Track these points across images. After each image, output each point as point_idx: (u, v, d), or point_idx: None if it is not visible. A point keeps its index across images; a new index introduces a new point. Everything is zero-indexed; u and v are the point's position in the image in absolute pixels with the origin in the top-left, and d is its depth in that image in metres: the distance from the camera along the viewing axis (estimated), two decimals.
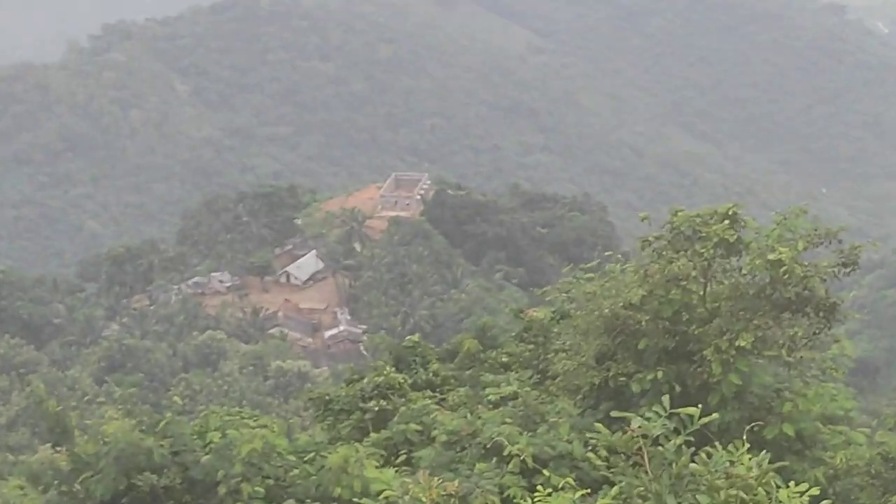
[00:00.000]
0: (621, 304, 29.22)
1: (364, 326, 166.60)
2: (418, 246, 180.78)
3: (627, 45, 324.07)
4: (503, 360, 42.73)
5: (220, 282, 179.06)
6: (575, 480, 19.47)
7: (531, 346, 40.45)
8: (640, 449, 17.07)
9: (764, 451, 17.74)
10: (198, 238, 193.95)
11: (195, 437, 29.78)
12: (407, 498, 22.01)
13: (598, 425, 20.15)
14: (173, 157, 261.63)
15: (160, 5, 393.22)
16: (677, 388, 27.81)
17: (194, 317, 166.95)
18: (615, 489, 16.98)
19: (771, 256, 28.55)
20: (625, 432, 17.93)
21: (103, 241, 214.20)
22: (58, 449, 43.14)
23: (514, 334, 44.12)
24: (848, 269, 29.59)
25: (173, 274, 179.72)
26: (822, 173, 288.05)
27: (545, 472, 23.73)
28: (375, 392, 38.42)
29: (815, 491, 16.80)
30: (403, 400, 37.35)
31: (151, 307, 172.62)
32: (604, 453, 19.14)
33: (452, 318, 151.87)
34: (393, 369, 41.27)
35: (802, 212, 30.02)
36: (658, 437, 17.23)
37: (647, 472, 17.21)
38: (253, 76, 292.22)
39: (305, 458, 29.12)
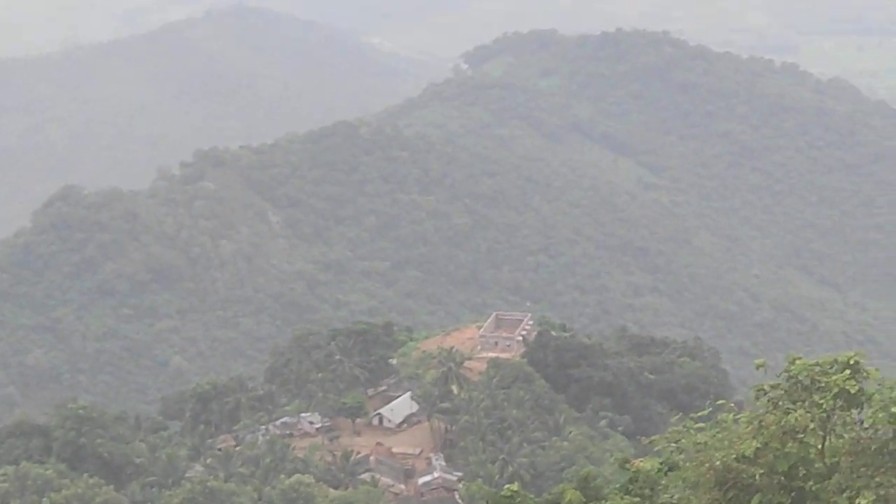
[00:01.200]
0: (734, 456, 28.58)
1: (460, 473, 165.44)
2: (519, 390, 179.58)
3: (744, 183, 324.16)
4: None
5: (310, 423, 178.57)
6: None
7: (637, 499, 39.18)
8: None
9: None
10: (287, 376, 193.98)
11: None
12: None
13: None
14: (264, 290, 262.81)
15: (253, 132, 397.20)
16: None
17: (282, 459, 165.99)
18: None
19: (895, 409, 27.82)
20: None
21: (189, 378, 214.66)
22: None
23: (618, 486, 42.29)
24: None
25: (261, 413, 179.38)
26: None
27: None
28: None
29: None
30: None
31: (237, 448, 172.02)
32: None
33: (554, 466, 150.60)
34: None
35: None
36: None
37: None
38: (349, 208, 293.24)
39: None
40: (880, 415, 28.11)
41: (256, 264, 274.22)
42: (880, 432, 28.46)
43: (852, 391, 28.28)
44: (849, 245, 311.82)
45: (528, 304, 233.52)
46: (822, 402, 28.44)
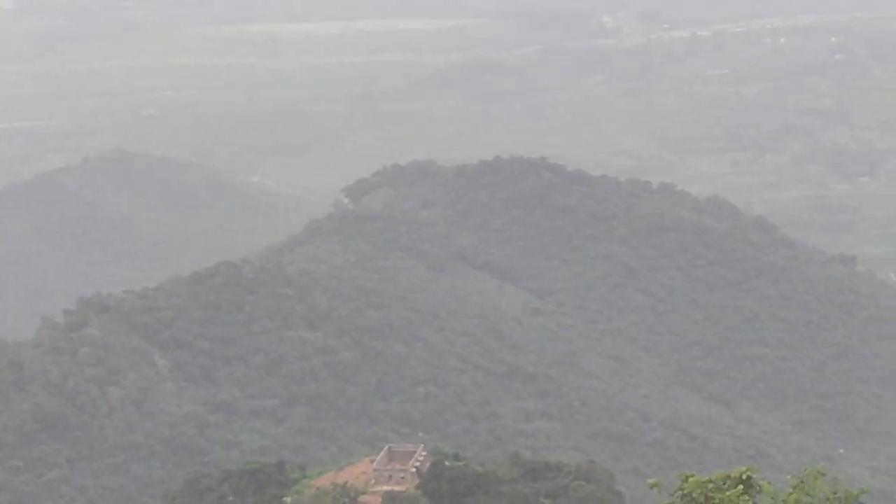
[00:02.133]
0: None
1: None
2: None
3: (628, 304, 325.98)
4: None
5: None
6: None
7: None
8: None
9: None
10: None
11: None
12: None
13: None
14: (153, 435, 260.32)
15: (136, 277, 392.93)
16: None
17: None
18: None
19: None
20: None
21: None
22: None
23: None
24: None
25: None
26: (840, 433, 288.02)
27: None
28: None
29: None
30: None
31: None
32: None
33: None
34: None
35: (820, 474, 30.15)
36: None
37: None
38: (236, 347, 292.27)
39: None
40: None
41: (145, 409, 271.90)
42: None
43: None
44: (735, 361, 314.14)
45: (420, 434, 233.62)
46: None
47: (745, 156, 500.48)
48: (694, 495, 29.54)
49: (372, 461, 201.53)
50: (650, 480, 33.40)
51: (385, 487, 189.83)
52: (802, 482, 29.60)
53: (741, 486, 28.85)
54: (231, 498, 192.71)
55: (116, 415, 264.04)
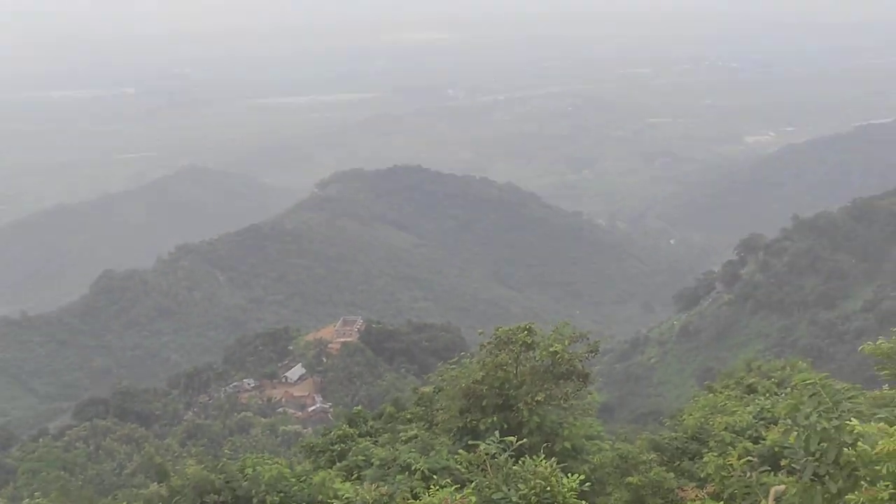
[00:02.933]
0: (471, 381, 29.87)
1: (330, 403, 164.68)
2: (358, 357, 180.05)
3: (466, 243, 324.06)
4: (408, 417, 42.34)
5: (248, 384, 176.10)
6: (452, 482, 20.02)
7: (423, 408, 40.50)
8: (485, 461, 17.82)
9: (553, 458, 18.61)
10: (234, 360, 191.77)
11: (239, 472, 29.82)
12: (359, 499, 22.59)
13: (461, 451, 20.91)
14: (219, 315, 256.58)
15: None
16: (505, 426, 28.25)
17: (234, 405, 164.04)
18: (474, 484, 18.91)
19: (551, 349, 29.72)
20: (477, 453, 18.62)
21: (180, 366, 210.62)
22: (160, 484, 42.52)
23: (414, 402, 44.21)
24: (593, 354, 30.87)
25: (221, 382, 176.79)
26: (578, 304, 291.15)
27: (435, 477, 24.35)
28: (338, 439, 38.74)
29: (583, 477, 18.42)
30: (354, 443, 37.89)
31: (210, 401, 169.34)
32: (466, 465, 19.93)
33: (379, 397, 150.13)
34: (347, 426, 41.46)
35: (566, 324, 31.29)
36: (495, 454, 17.98)
37: (490, 474, 17.90)
38: (261, 268, 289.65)
39: (301, 479, 29.30)
40: (543, 353, 29.85)
41: (213, 301, 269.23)
42: (545, 362, 29.96)
43: (529, 342, 30.14)
44: (523, 268, 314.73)
45: (359, 311, 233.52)
46: (514, 349, 30.12)
47: (527, 162, 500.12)
48: (501, 337, 30.78)
49: (335, 326, 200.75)
50: (478, 331, 37.49)
51: (342, 339, 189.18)
52: (557, 329, 30.88)
53: (526, 332, 30.28)
54: (260, 347, 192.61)
55: (198, 306, 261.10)
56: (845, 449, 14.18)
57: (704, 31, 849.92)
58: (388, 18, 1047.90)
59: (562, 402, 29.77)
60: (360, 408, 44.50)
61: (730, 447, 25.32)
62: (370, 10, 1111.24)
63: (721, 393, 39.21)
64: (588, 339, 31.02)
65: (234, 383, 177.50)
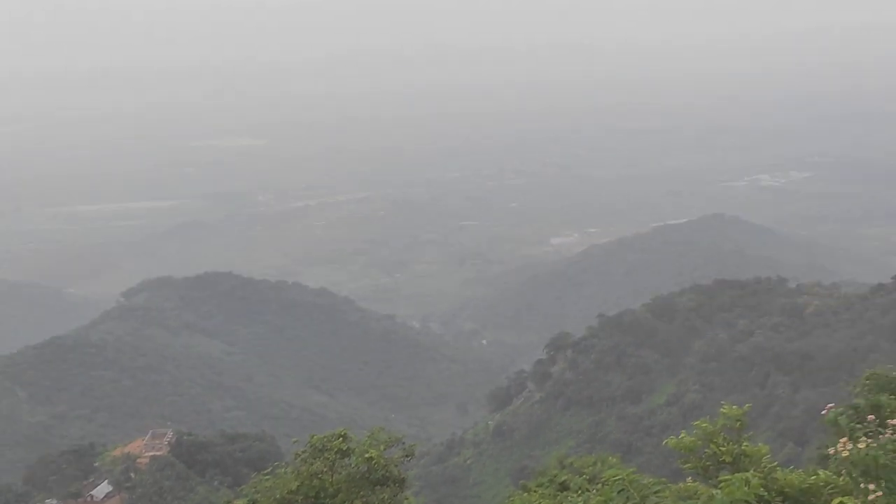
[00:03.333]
0: (286, 491, 29.08)
1: None
2: (168, 471, 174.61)
3: (280, 346, 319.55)
4: None
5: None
6: None
7: None
8: None
9: None
10: (36, 481, 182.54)
11: None
12: None
13: None
14: (18, 434, 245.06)
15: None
16: None
17: None
18: None
19: (366, 455, 29.46)
20: None
21: None
22: None
23: None
24: (409, 458, 30.75)
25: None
26: (393, 407, 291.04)
27: None
28: None
29: None
30: None
31: None
32: None
33: None
34: None
35: (381, 429, 31.04)
36: None
37: None
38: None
39: None
40: (359, 460, 29.33)
41: None
42: (360, 468, 29.31)
43: (343, 449, 29.64)
44: (337, 371, 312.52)
45: (168, 423, 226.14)
46: (329, 456, 29.51)
47: (341, 266, 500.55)
48: (317, 445, 30.11)
49: (143, 440, 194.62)
50: (293, 439, 36.12)
51: (151, 453, 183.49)
52: (372, 434, 30.35)
53: (341, 439, 29.86)
54: (64, 465, 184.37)
55: None
56: None
57: (507, 138, 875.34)
58: (196, 125, 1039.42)
59: None
60: None
61: None
62: (177, 117, 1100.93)
63: (535, 492, 39.40)
64: (404, 443, 30.95)
65: None
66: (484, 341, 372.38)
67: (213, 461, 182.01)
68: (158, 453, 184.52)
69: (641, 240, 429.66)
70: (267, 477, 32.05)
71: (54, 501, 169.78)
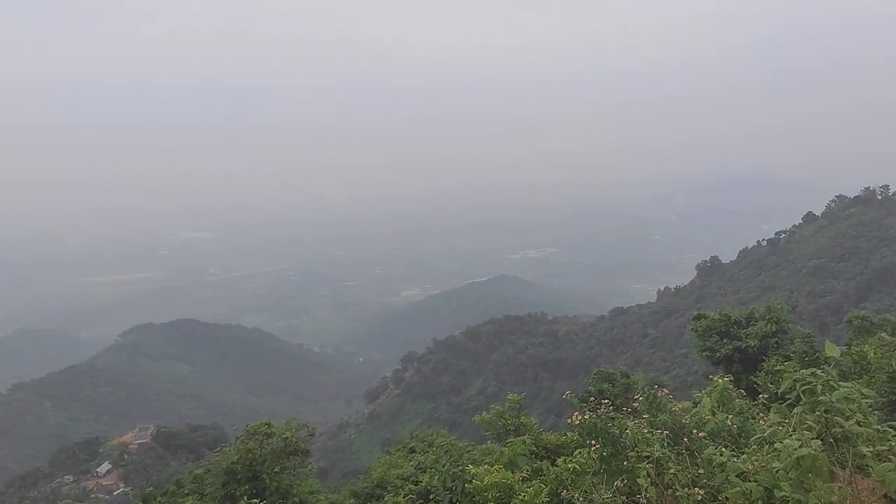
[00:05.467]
0: (230, 462, 27.10)
1: (130, 487, 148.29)
2: (151, 453, 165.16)
3: (229, 365, 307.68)
4: (186, 492, 33.53)
5: (68, 479, 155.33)
6: None
7: (196, 485, 32.36)
8: None
9: None
10: (57, 463, 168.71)
11: None
12: None
13: None
14: (45, 432, 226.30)
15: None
16: (254, 492, 25.94)
17: (58, 495, 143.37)
18: None
19: (283, 436, 27.77)
20: None
21: (15, 471, 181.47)
22: None
23: (189, 480, 34.52)
24: (311, 437, 28.98)
25: (47, 480, 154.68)
26: (301, 403, 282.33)
27: None
28: None
29: None
30: None
31: (38, 495, 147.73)
32: None
33: (167, 478, 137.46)
34: (142, 502, 37.72)
35: (293, 419, 29.63)
36: None
37: None
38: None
39: None
40: (279, 439, 27.21)
41: None
42: (279, 445, 27.35)
43: (269, 433, 27.65)
44: (267, 380, 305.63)
45: (151, 421, 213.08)
46: (259, 438, 27.31)
47: (266, 312, 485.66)
48: (250, 431, 27.83)
49: (133, 433, 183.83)
50: (234, 427, 32.96)
51: (139, 441, 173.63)
52: (288, 422, 28.44)
53: (266, 426, 27.55)
54: (77, 452, 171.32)
55: (29, 427, 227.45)
56: (466, 484, 14.31)
57: (371, 229, 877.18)
58: (169, 219, 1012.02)
59: (292, 471, 27.67)
60: (151, 489, 42.36)
61: (400, 489, 24.99)
62: (156, 215, 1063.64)
63: (394, 454, 36.57)
64: (307, 427, 29.58)
65: (57, 479, 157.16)
66: (361, 358, 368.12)
67: (182, 445, 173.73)
68: (144, 441, 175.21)
69: (459, 291, 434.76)
70: (217, 453, 30.76)
71: (70, 477, 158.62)
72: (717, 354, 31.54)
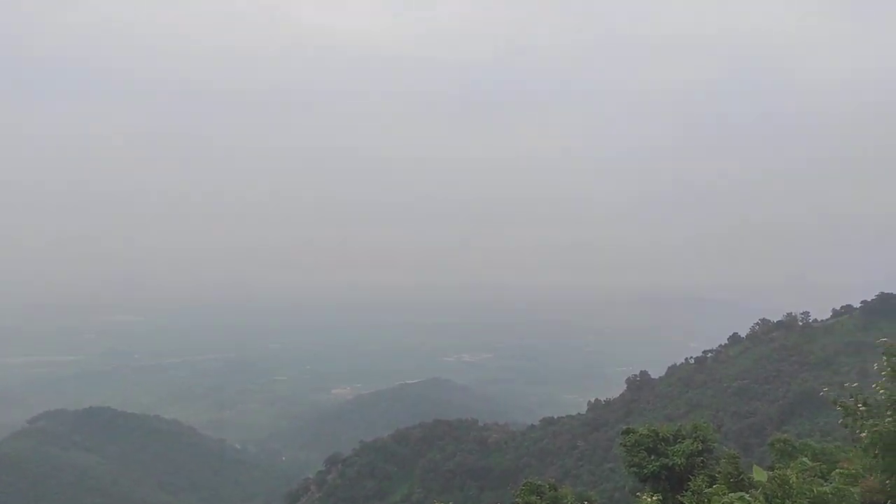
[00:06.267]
0: None
1: None
2: None
3: (142, 458, 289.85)
4: None
5: None
6: None
7: None
8: None
9: None
10: None
11: None
12: None
13: None
14: None
15: None
16: None
17: None
18: None
19: None
20: None
21: None
22: None
23: None
24: None
25: None
26: (218, 501, 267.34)
27: None
28: None
29: None
30: None
31: None
32: None
33: None
34: None
35: None
36: None
37: None
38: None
39: None
40: None
41: None
42: None
43: None
44: (182, 477, 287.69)
45: None
46: None
47: (190, 404, 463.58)
48: None
49: None
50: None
51: None
52: None
53: None
54: None
55: None
56: None
57: (302, 324, 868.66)
58: (98, 301, 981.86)
59: None
60: None
61: None
62: (80, 295, 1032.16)
63: None
64: None
65: None
66: (284, 458, 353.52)
67: None
68: None
69: (390, 392, 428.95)
70: None
71: None
72: (645, 471, 31.63)
